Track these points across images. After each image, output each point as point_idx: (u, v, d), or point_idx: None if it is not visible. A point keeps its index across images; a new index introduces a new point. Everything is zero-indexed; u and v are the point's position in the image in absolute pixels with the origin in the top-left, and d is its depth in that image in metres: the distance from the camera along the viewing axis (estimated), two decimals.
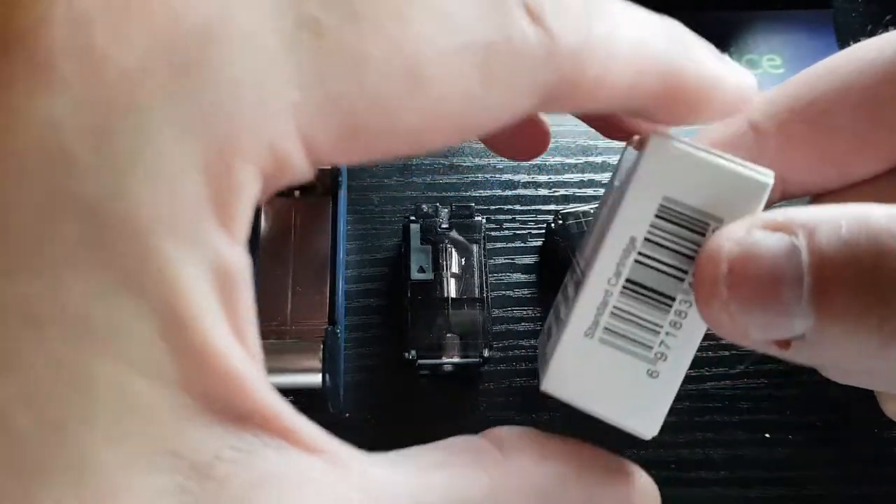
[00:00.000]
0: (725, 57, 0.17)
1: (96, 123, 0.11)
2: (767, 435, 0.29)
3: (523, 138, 0.22)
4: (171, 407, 0.11)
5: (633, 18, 0.15)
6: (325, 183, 0.29)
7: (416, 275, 0.28)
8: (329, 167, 0.28)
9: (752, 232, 0.15)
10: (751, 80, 0.17)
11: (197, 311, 0.11)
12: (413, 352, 0.27)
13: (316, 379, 0.25)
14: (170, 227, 0.11)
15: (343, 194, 0.30)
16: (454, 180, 0.33)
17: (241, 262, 0.12)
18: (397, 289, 0.30)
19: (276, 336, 0.26)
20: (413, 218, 0.29)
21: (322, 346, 0.25)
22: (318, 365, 0.25)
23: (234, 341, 0.12)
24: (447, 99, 0.12)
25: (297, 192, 0.29)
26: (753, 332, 0.15)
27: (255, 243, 0.28)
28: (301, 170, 0.12)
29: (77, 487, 0.10)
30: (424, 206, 0.30)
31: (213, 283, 0.11)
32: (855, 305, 0.13)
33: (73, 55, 0.11)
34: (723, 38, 0.37)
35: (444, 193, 0.33)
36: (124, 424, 0.11)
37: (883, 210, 0.14)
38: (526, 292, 0.31)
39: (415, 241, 0.29)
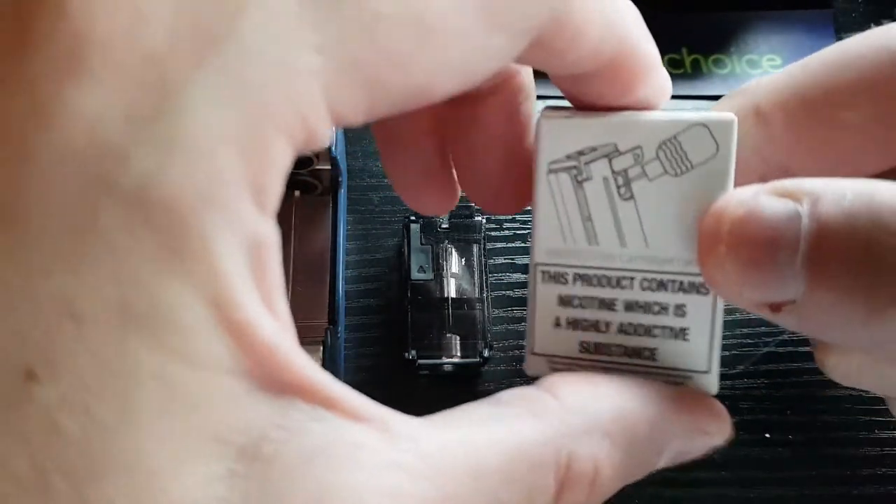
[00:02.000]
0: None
1: (129, 108, 0.11)
2: (768, 435, 0.29)
3: (433, 194, 0.22)
4: (216, 392, 0.11)
5: None
6: (325, 183, 0.29)
7: (416, 275, 0.28)
8: (333, 156, 0.28)
9: (758, 195, 0.15)
10: (669, 83, 0.18)
11: (236, 290, 0.11)
12: (413, 352, 0.27)
13: None
14: (209, 206, 0.11)
15: (343, 194, 0.30)
16: None
17: (272, 235, 0.12)
18: (397, 289, 0.30)
19: None
20: (413, 218, 0.29)
21: (322, 347, 0.25)
22: (318, 365, 0.25)
23: (267, 314, 0.12)
24: (453, 47, 0.13)
25: (297, 192, 0.29)
26: (747, 292, 0.15)
27: None
28: (325, 136, 0.12)
29: (129, 486, 0.10)
30: None
31: (247, 258, 0.11)
32: (845, 276, 0.14)
33: (95, 43, 0.11)
34: (723, 37, 0.37)
35: None
36: (171, 417, 0.11)
37: (889, 187, 0.14)
38: (526, 292, 0.31)
39: (415, 241, 0.29)
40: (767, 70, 0.36)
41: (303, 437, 0.11)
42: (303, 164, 0.28)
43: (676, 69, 0.36)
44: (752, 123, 0.19)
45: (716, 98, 0.35)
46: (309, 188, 0.29)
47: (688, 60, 0.36)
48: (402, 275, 0.29)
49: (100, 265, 0.10)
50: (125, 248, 0.10)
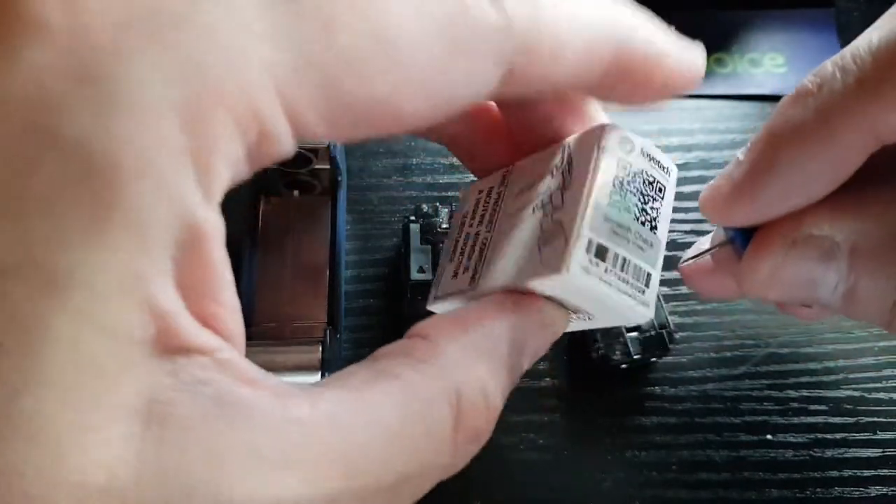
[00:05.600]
0: (674, 33, 0.17)
1: (80, 67, 0.11)
2: (769, 436, 0.29)
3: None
4: (120, 360, 0.11)
5: None
6: (325, 183, 0.29)
7: (416, 275, 0.28)
8: (323, 146, 0.28)
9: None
10: (699, 56, 0.17)
11: (153, 263, 0.11)
12: None
13: (314, 379, 0.25)
14: (145, 173, 0.11)
15: (343, 194, 0.30)
16: (454, 180, 0.33)
17: (211, 222, 0.12)
18: (397, 289, 0.30)
19: (275, 336, 0.26)
20: (413, 218, 0.29)
21: (321, 347, 0.25)
22: (317, 366, 0.25)
23: (178, 298, 0.12)
24: (416, 64, 0.13)
25: (296, 192, 0.29)
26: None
27: (254, 243, 0.28)
28: (284, 138, 0.13)
29: (30, 449, 0.10)
30: (424, 206, 0.29)
31: (177, 237, 0.12)
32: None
33: (59, 5, 0.11)
34: (725, 36, 0.37)
35: (444, 193, 0.32)
36: (77, 383, 0.11)
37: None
38: None
39: (415, 241, 0.29)
40: (770, 69, 0.36)
41: (200, 399, 0.12)
42: (302, 163, 0.28)
43: None
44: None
45: (717, 98, 0.35)
46: (308, 188, 0.29)
47: None
48: (402, 275, 0.29)
49: (32, 222, 0.11)
50: (59, 208, 0.11)
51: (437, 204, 0.30)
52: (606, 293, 0.17)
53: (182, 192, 0.11)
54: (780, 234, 0.16)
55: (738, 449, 0.28)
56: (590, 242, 0.17)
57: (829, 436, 0.29)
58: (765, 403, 0.29)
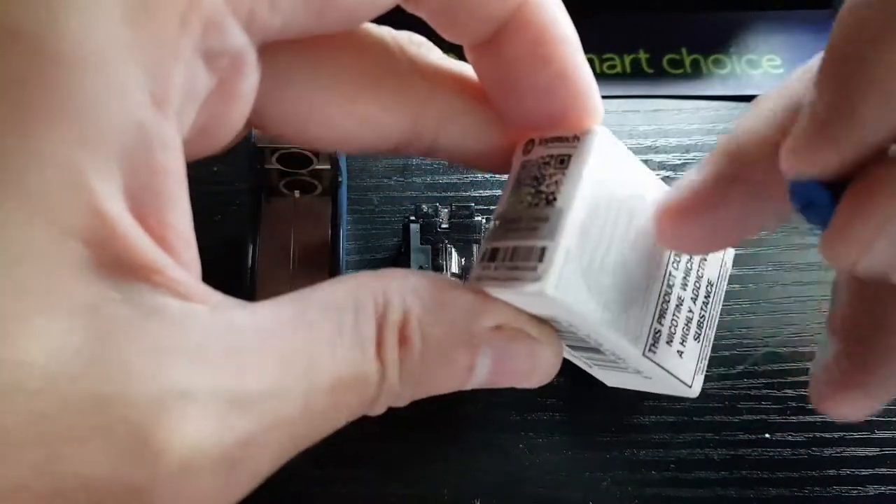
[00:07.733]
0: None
1: None
2: (768, 435, 0.29)
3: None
4: (63, 255, 0.11)
5: None
6: (325, 183, 0.29)
7: None
8: (333, 156, 0.28)
9: None
10: (599, 104, 0.17)
11: (96, 159, 0.11)
12: None
13: None
14: (89, 65, 0.11)
15: (343, 194, 0.30)
16: (454, 180, 0.33)
17: (161, 130, 0.12)
18: None
19: None
20: (413, 218, 0.29)
21: None
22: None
23: (124, 204, 0.12)
24: None
25: (297, 193, 0.29)
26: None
27: (256, 244, 0.28)
28: (227, 25, 0.12)
29: None
30: (424, 206, 0.29)
31: (125, 139, 0.12)
32: None
33: None
34: (723, 38, 0.37)
35: (444, 193, 0.33)
36: (18, 272, 0.11)
37: None
38: None
39: (415, 241, 0.29)
40: (767, 70, 0.36)
41: (142, 305, 0.12)
42: (303, 164, 0.28)
43: (676, 69, 0.36)
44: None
45: (715, 99, 0.36)
46: (309, 188, 0.29)
47: (687, 60, 0.36)
48: None
49: None
50: (13, 96, 0.11)
51: (437, 204, 0.30)
52: (498, 289, 0.17)
53: (129, 87, 0.11)
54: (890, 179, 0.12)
55: (736, 448, 0.29)
56: (485, 251, 0.18)
57: (826, 435, 0.29)
58: (763, 402, 0.29)
